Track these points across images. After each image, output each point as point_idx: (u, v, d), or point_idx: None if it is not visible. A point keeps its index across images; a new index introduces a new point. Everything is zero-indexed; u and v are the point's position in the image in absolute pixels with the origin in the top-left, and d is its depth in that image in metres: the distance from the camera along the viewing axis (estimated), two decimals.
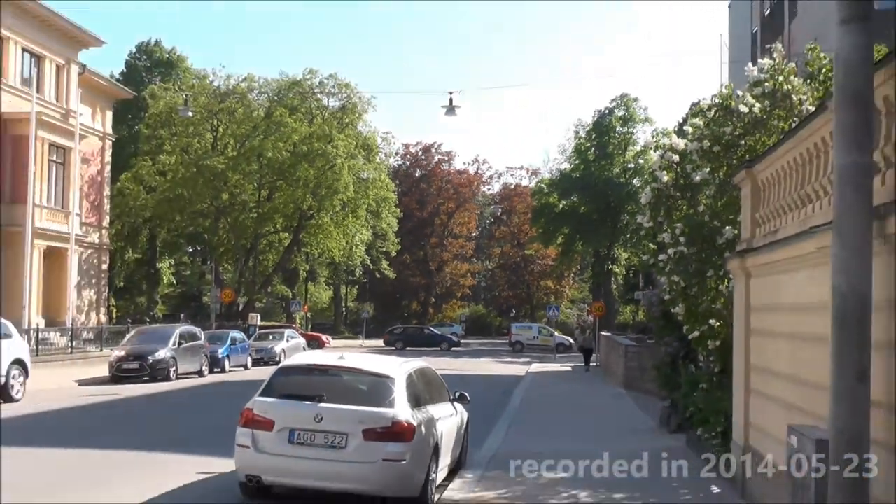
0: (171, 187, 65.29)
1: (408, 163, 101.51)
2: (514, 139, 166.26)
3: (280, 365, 13.89)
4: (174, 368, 34.63)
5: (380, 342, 69.68)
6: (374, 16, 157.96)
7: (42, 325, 42.04)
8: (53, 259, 47.26)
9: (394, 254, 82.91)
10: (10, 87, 45.18)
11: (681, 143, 16.15)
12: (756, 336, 11.91)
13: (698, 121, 16.40)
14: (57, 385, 30.57)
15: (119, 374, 33.46)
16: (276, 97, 69.54)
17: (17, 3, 44.71)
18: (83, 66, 52.37)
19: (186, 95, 64.32)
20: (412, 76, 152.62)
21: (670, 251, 15.79)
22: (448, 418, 13.11)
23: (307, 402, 11.24)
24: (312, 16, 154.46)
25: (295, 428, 11.05)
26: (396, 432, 10.92)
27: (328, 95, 71.27)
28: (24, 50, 46.72)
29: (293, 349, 46.08)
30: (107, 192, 58.64)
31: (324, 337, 65.58)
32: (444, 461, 12.70)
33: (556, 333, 65.83)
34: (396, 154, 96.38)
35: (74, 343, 42.28)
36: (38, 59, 48.03)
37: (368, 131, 74.87)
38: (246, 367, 42.94)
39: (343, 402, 11.34)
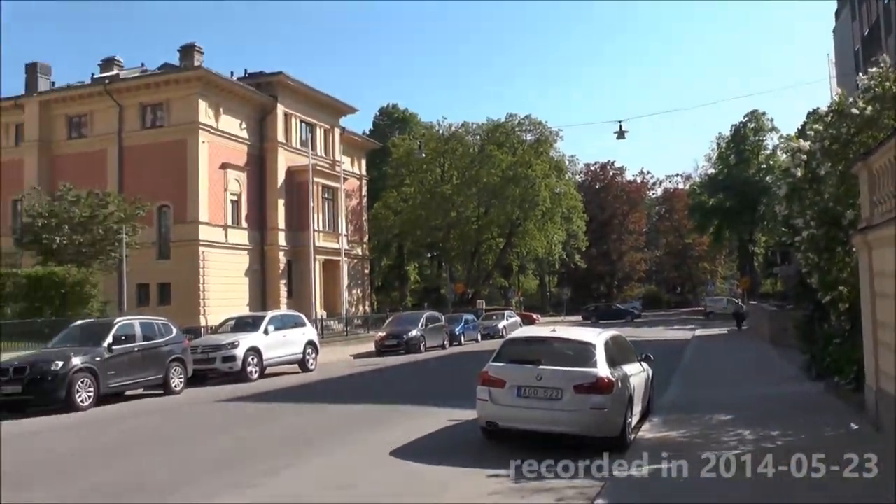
0: (412, 210, 68.81)
1: (589, 178, 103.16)
2: (669, 151, 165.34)
3: (506, 338, 14.16)
4: (423, 343, 35.57)
5: (577, 317, 69.67)
6: (556, 63, 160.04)
7: (324, 317, 46.44)
8: (330, 268, 52.01)
9: (583, 248, 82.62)
10: (293, 148, 51.31)
11: (806, 144, 15.89)
12: (880, 298, 11.53)
13: (818, 126, 15.94)
14: (338, 359, 32.01)
15: (382, 349, 34.78)
16: (486, 136, 71.67)
17: (296, 88, 51.59)
18: (343, 128, 58.49)
19: (419, 142, 68.60)
20: (586, 105, 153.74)
21: (804, 233, 15.66)
22: (637, 374, 12.93)
23: (529, 365, 11.54)
24: (510, 68, 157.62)
25: (521, 385, 11.32)
26: (600, 387, 11.07)
27: (525, 131, 72.95)
28: (301, 121, 53.07)
29: (511, 326, 45.95)
30: (365, 217, 63.95)
31: (534, 315, 65.28)
32: (637, 409, 12.59)
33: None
34: (580, 172, 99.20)
35: (348, 328, 45.77)
36: (311, 127, 54.25)
37: (558, 156, 76.51)
38: (477, 341, 42.80)
39: (556, 364, 11.50)
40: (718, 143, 78.87)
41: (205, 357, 24.06)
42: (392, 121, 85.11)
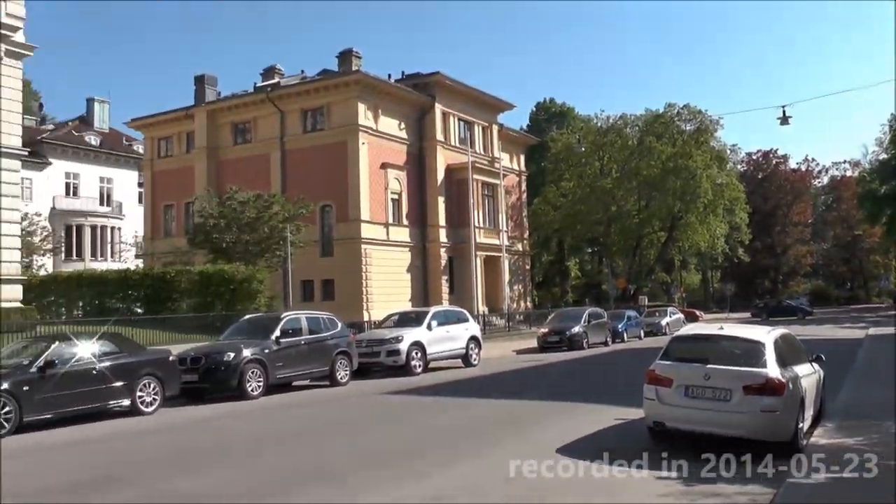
0: (572, 205, 68.07)
1: (751, 167, 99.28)
2: (834, 137, 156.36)
3: (673, 335, 13.62)
4: (586, 340, 34.96)
5: (741, 315, 67.17)
6: (718, 50, 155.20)
7: (486, 312, 46.43)
8: (491, 264, 52.10)
9: (747, 242, 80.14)
10: (452, 146, 51.64)
11: None
12: None
13: None
14: (500, 354, 31.81)
15: (545, 346, 34.38)
16: (645, 128, 69.97)
17: (453, 87, 51.91)
18: (500, 125, 58.37)
19: (578, 136, 68.04)
20: (744, 91, 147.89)
21: None
22: (809, 376, 12.21)
23: (697, 364, 11.14)
24: (666, 57, 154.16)
25: (689, 384, 10.93)
26: (770, 388, 10.55)
27: (685, 121, 70.75)
28: (459, 119, 53.34)
29: (674, 323, 45.55)
30: (524, 213, 63.60)
31: (697, 312, 63.74)
32: (809, 412, 11.92)
33: None
34: (742, 161, 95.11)
35: (510, 324, 45.75)
36: (469, 125, 54.48)
37: (719, 146, 73.94)
38: (640, 338, 41.97)
39: (724, 363, 11.03)
40: (891, 126, 73.94)
41: (370, 351, 24.37)
42: (549, 116, 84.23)
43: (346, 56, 51.19)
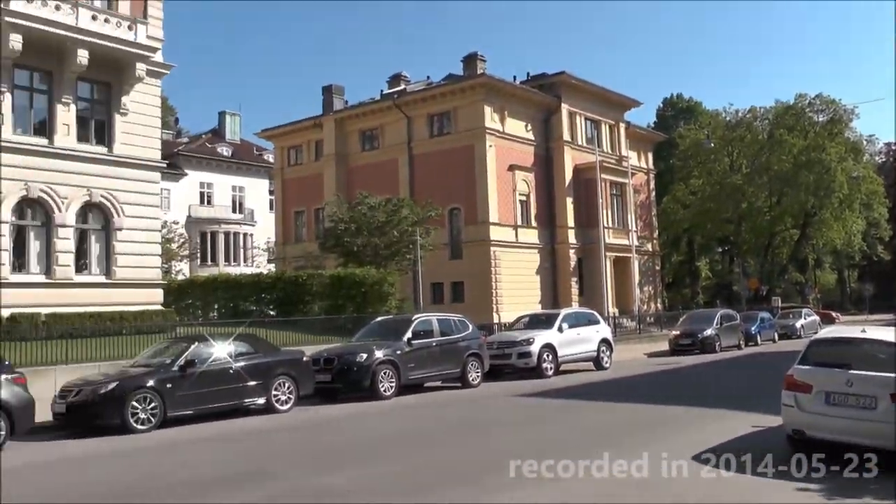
0: (701, 203, 66.54)
1: (890, 159, 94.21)
2: None
3: (812, 338, 12.45)
4: (718, 343, 33.98)
5: (882, 316, 59.98)
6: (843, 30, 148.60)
7: (616, 314, 45.41)
8: (620, 265, 51.07)
9: (887, 238, 76.87)
10: (579, 146, 50.93)
11: None
12: None
13: None
14: (632, 357, 31.30)
15: (676, 348, 33.70)
16: (775, 120, 67.85)
17: (578, 86, 51.24)
18: (627, 123, 57.24)
19: (706, 131, 66.09)
20: (881, 79, 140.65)
21: None
22: None
23: (838, 369, 10.33)
24: (797, 46, 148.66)
25: (829, 391, 10.19)
26: None
27: (817, 112, 68.07)
28: (585, 119, 52.55)
29: (809, 325, 44.48)
30: (653, 212, 62.01)
31: (833, 313, 61.02)
32: None
33: None
34: (879, 152, 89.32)
35: (640, 326, 44.38)
36: (595, 123, 53.56)
37: (855, 137, 71.09)
38: (773, 341, 40.65)
39: (868, 369, 10.18)
40: None
41: (501, 353, 24.21)
42: (676, 111, 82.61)
43: (471, 60, 51.44)
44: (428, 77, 56.12)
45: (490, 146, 45.93)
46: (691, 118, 78.42)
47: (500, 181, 46.62)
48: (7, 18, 24.53)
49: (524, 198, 48.55)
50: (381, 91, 55.64)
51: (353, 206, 39.27)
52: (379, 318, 24.09)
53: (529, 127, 49.23)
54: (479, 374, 22.18)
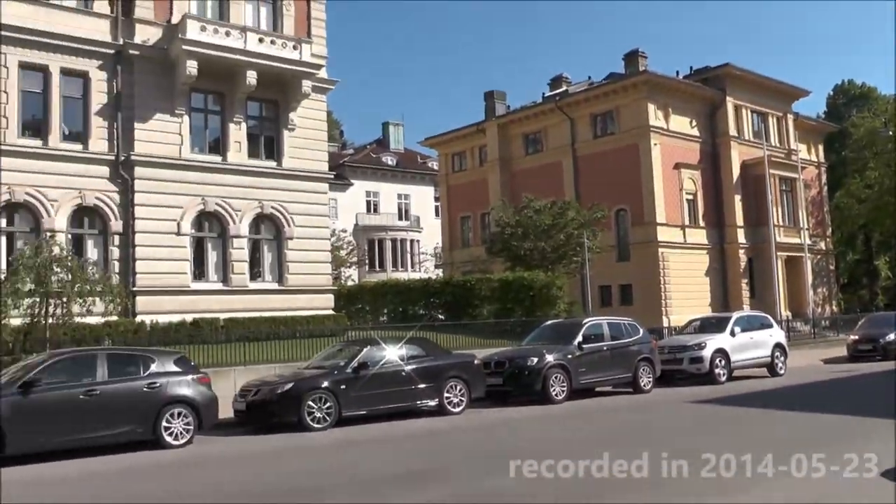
0: (879, 196, 60.83)
1: None
2: None
3: None
4: None
5: None
6: None
7: (789, 317, 43.25)
8: (792, 265, 49.01)
9: None
10: (746, 141, 48.97)
11: None
12: None
13: None
14: (807, 363, 29.74)
15: (855, 354, 31.46)
16: None
17: (743, 77, 49.37)
18: (796, 114, 54.58)
19: (883, 119, 62.49)
20: None
21: None
22: None
23: None
24: None
25: None
26: None
27: None
28: (752, 111, 50.47)
29: None
30: (826, 208, 58.92)
31: None
32: None
33: None
34: None
35: (815, 330, 41.84)
36: (762, 116, 51.35)
37: None
38: None
39: None
40: None
41: (672, 358, 23.51)
42: (849, 99, 77.02)
43: (632, 57, 50.36)
44: (589, 77, 55.43)
45: (655, 144, 44.86)
46: (865, 105, 73.09)
47: (666, 180, 45.41)
48: (184, 47, 26.22)
49: (691, 197, 47.09)
50: (543, 94, 55.34)
51: (518, 209, 39.19)
52: (549, 322, 23.88)
53: (694, 123, 47.77)
54: (650, 379, 21.63)
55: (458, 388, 17.56)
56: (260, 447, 13.83)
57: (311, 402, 15.40)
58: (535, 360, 19.17)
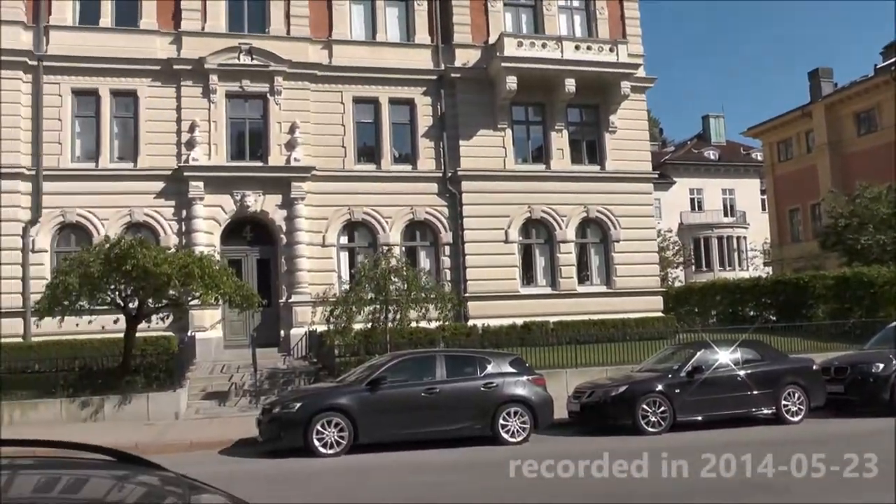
0: None
1: None
2: None
3: None
4: None
5: None
6: None
7: None
8: None
9: None
10: None
11: None
12: None
13: None
14: None
15: None
16: None
17: None
18: None
19: None
20: None
21: None
22: None
23: None
24: None
25: None
26: None
27: None
28: None
29: None
30: None
31: None
32: None
33: None
34: None
35: None
36: None
37: None
38: None
39: None
40: None
41: None
42: None
43: None
44: None
45: None
46: None
47: None
48: (503, 64, 27.52)
49: None
50: (875, 65, 50.64)
51: (851, 198, 36.42)
52: (894, 324, 21.45)
53: None
54: None
55: (797, 395, 16.56)
56: (593, 448, 13.48)
57: (644, 406, 15.43)
58: (882, 366, 17.34)
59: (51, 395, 19.60)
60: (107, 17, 26.74)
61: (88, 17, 26.75)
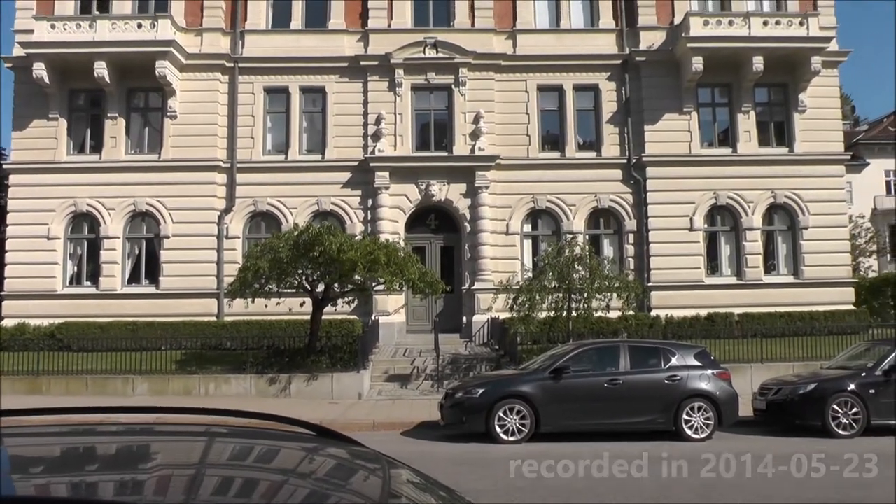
0: None
1: None
2: None
3: None
4: None
5: None
6: None
7: None
8: None
9: None
10: None
11: None
12: None
13: None
14: None
15: None
16: None
17: None
18: None
19: None
20: None
21: None
22: None
23: None
24: None
25: None
26: None
27: None
28: None
29: None
30: None
31: None
32: None
33: None
34: None
35: None
36: None
37: None
38: None
39: None
40: None
41: None
42: None
43: None
44: None
45: None
46: None
47: None
48: (689, 45, 26.68)
49: None
50: None
51: None
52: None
53: None
54: None
55: None
56: (777, 449, 12.71)
57: (835, 406, 14.47)
58: None
59: (241, 371, 20.95)
60: (297, 19, 28.19)
61: (280, 20, 28.32)
